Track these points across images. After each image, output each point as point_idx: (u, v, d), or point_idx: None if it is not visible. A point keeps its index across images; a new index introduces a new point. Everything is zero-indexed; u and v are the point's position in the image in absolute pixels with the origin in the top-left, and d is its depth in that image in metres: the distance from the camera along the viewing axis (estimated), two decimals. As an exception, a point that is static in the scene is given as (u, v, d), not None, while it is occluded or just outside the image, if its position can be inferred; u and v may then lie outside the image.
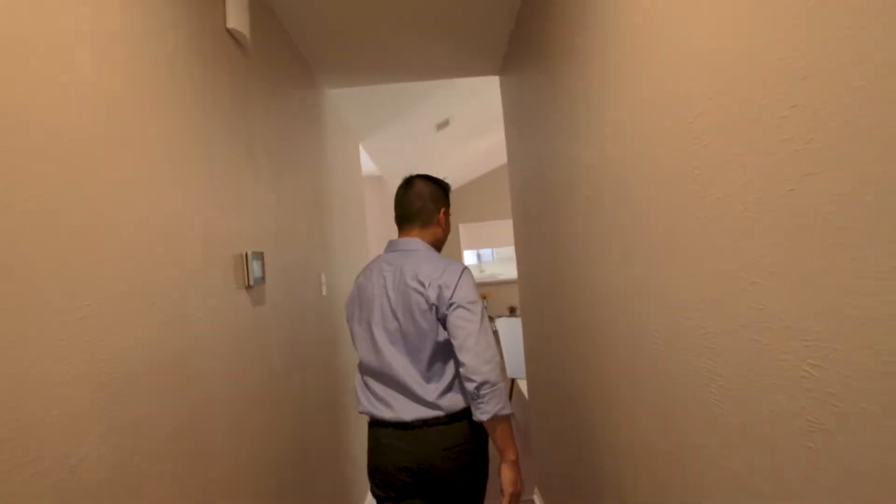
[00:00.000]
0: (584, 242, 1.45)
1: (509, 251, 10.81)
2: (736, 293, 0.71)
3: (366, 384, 1.50)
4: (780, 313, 0.63)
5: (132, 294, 0.88)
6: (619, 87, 1.08)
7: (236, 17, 1.40)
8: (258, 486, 1.33)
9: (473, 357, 1.31)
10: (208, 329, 1.14)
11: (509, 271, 10.49)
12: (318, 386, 2.06)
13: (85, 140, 0.79)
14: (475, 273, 10.22)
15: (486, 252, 11.16)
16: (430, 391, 1.40)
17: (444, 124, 4.46)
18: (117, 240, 0.85)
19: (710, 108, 0.74)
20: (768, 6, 0.60)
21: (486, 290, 9.38)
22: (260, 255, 1.44)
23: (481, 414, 1.32)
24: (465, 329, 1.34)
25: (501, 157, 8.85)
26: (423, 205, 1.56)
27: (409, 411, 1.40)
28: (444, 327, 1.39)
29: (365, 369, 1.50)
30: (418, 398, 1.40)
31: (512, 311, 8.23)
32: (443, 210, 1.60)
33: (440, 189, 1.63)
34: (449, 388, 1.41)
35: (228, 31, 1.39)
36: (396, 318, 1.43)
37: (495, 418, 1.32)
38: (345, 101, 3.14)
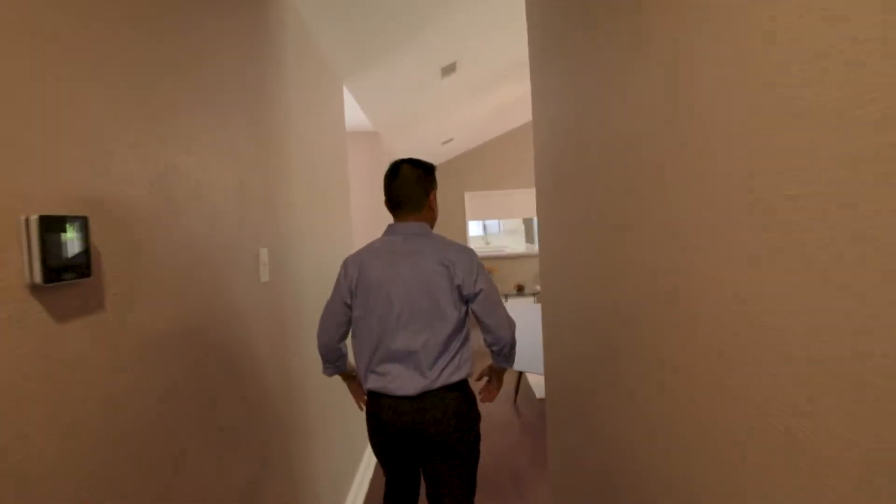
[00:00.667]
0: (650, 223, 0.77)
1: (516, 223, 10.12)
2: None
3: (363, 360, 1.59)
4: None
5: None
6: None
7: None
8: None
9: (499, 328, 1.58)
10: None
11: (517, 244, 9.83)
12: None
13: None
14: (480, 245, 9.56)
15: (492, 223, 10.46)
16: (438, 366, 1.53)
17: (450, 69, 3.69)
18: None
19: None
20: None
21: (492, 264, 8.72)
22: (79, 223, 0.76)
23: (504, 364, 1.70)
24: (491, 309, 1.57)
25: (513, 120, 8.07)
26: (412, 191, 1.60)
27: (414, 385, 1.51)
28: (467, 306, 1.59)
29: (368, 344, 1.57)
30: (423, 373, 1.52)
31: (520, 290, 7.57)
32: (432, 194, 1.65)
33: (426, 172, 1.65)
34: (451, 362, 1.54)
35: None
36: (412, 299, 1.53)
37: (510, 364, 1.70)
38: (322, 30, 2.39)
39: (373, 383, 1.57)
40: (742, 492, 0.70)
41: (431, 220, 1.66)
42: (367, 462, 3.13)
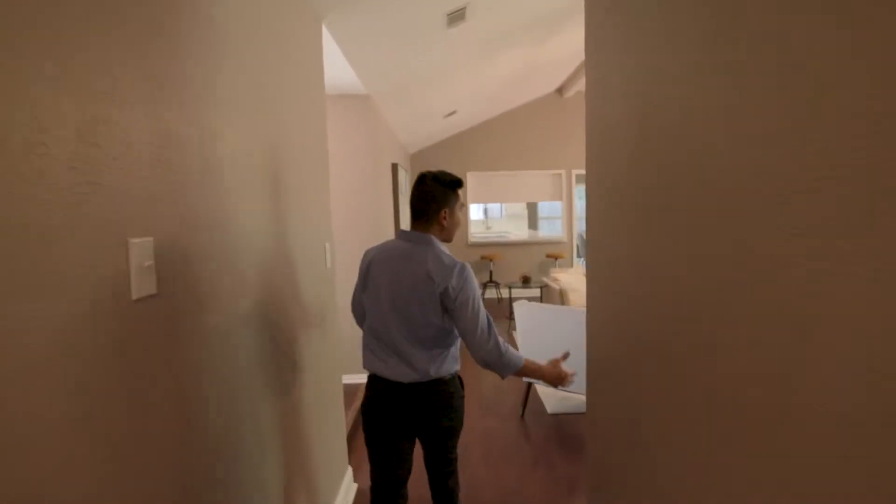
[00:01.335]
0: None
1: (520, 208, 9.45)
2: None
3: (370, 346, 1.74)
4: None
5: None
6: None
7: None
8: None
9: (475, 349, 1.65)
10: None
11: (520, 230, 9.19)
12: None
13: None
14: (480, 230, 8.91)
15: (493, 207, 9.78)
16: (425, 363, 1.66)
17: (458, 16, 3.01)
18: None
19: None
20: None
21: (492, 251, 8.10)
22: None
23: (502, 375, 1.72)
24: (465, 329, 1.64)
25: (523, 95, 7.35)
26: (427, 206, 1.71)
27: (404, 375, 1.66)
28: (448, 316, 1.66)
29: (373, 333, 1.72)
30: (413, 367, 1.66)
31: (525, 281, 6.96)
32: (444, 210, 1.72)
33: (447, 190, 1.72)
34: (440, 360, 1.68)
35: None
36: (405, 301, 1.65)
37: (512, 373, 1.72)
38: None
39: (371, 365, 1.74)
40: None
41: (440, 234, 1.73)
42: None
